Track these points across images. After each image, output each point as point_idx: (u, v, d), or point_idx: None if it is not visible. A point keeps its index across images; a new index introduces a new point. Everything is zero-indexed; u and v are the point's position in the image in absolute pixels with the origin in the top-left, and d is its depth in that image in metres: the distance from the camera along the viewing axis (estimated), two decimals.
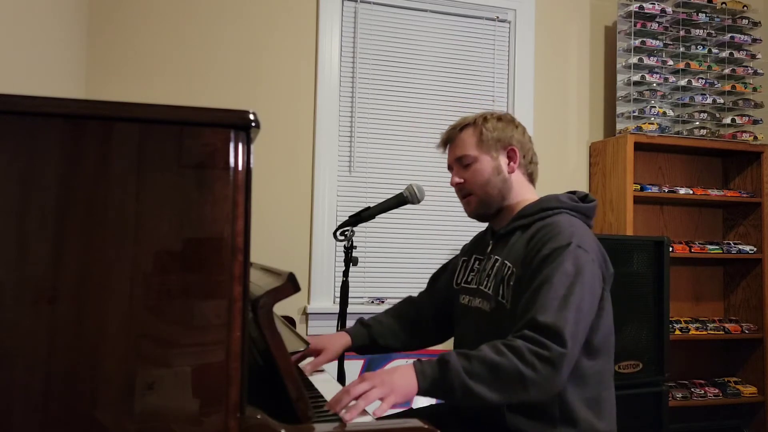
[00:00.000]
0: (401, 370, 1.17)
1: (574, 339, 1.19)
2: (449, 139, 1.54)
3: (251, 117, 0.87)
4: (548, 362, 1.16)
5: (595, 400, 1.32)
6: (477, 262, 1.56)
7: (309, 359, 1.53)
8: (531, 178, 1.53)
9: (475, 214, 1.52)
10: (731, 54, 3.18)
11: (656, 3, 3.07)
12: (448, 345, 1.84)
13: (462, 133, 1.51)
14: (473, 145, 1.48)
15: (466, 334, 1.51)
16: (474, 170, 1.48)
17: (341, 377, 1.79)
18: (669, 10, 3.10)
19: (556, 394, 1.25)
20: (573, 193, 1.51)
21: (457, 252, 1.72)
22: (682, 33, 3.12)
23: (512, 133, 1.49)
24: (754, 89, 3.22)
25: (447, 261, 1.75)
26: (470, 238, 1.71)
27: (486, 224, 1.61)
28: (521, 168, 1.50)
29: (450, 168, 1.56)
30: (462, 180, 1.50)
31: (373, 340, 1.63)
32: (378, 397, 1.11)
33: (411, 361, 1.48)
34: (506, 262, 1.39)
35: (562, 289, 1.22)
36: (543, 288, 1.23)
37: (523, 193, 1.49)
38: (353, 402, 1.09)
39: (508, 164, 1.48)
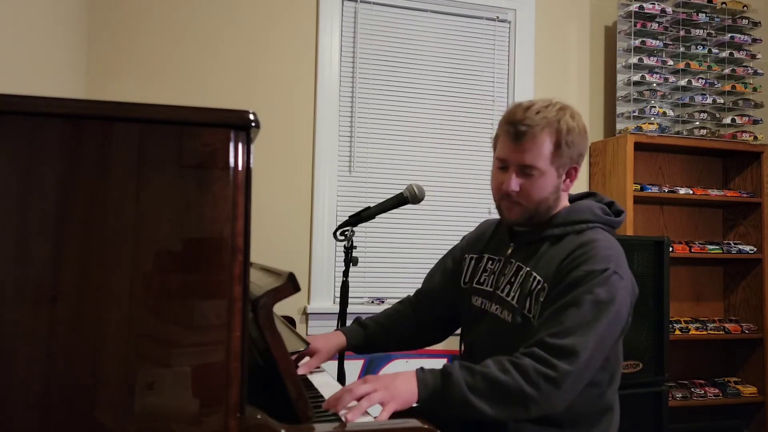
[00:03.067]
0: (403, 376, 1.16)
1: (587, 363, 1.17)
2: (524, 135, 1.30)
3: (251, 117, 0.87)
4: (553, 382, 1.15)
5: (604, 410, 1.32)
6: (490, 263, 1.48)
7: (305, 359, 1.52)
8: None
9: (516, 223, 1.40)
10: (731, 54, 3.18)
11: (656, 3, 3.07)
12: (447, 344, 1.83)
13: (541, 135, 1.30)
14: (547, 157, 1.31)
15: (480, 341, 1.44)
16: (536, 184, 1.33)
17: (341, 377, 1.79)
18: (669, 10, 3.10)
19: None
20: (594, 195, 1.46)
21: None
22: (682, 33, 3.11)
23: (583, 150, 1.37)
24: (754, 89, 3.22)
25: (443, 257, 1.69)
26: None
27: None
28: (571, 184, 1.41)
29: (502, 160, 1.36)
30: (519, 189, 1.34)
31: (370, 340, 1.60)
32: (379, 401, 1.10)
33: (410, 361, 1.47)
34: (535, 274, 1.32)
35: (589, 315, 1.18)
36: (569, 309, 1.19)
37: (562, 202, 1.41)
38: (354, 402, 1.09)
39: (565, 181, 1.37)
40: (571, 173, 1.37)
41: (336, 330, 1.63)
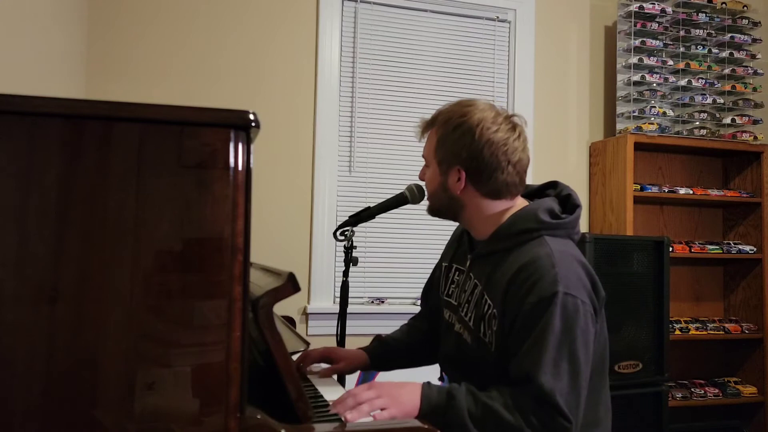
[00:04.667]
0: (409, 387, 1.16)
1: (575, 406, 1.14)
2: (423, 131, 1.39)
3: (251, 117, 0.87)
4: None
5: (593, 422, 1.29)
6: (457, 273, 1.44)
7: (323, 365, 1.52)
8: (501, 194, 1.30)
9: (432, 214, 1.41)
10: (731, 54, 3.18)
11: (656, 3, 3.07)
12: None
13: (431, 130, 1.36)
14: (431, 148, 1.34)
15: (448, 354, 1.42)
16: (426, 175, 1.37)
17: (341, 378, 1.79)
18: (669, 10, 3.10)
19: None
20: (554, 186, 1.39)
21: None
22: (682, 33, 3.11)
23: (463, 151, 1.27)
24: (754, 89, 3.22)
25: (432, 272, 1.65)
26: None
27: None
28: (479, 188, 1.29)
29: None
30: (422, 178, 1.40)
31: (390, 354, 1.59)
32: (381, 407, 1.11)
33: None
34: (486, 296, 1.27)
35: (553, 351, 1.14)
36: (534, 351, 1.14)
37: (490, 207, 1.31)
38: (356, 406, 1.09)
39: (456, 182, 1.30)
40: (460, 174, 1.29)
41: (358, 348, 1.60)
